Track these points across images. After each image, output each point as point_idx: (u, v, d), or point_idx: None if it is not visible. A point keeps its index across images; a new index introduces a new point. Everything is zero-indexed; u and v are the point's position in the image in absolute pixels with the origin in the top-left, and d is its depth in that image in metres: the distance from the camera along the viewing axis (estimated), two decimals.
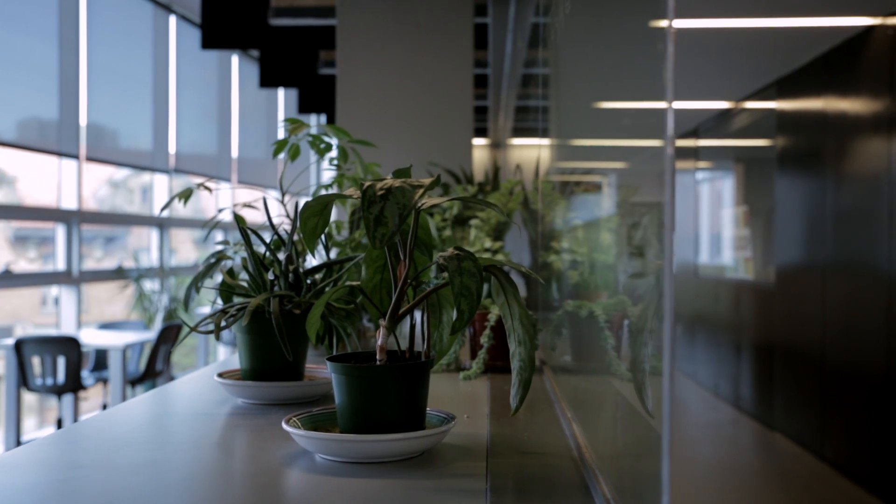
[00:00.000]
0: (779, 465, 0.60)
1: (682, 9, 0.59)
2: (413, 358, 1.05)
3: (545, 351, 1.77)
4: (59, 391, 5.61)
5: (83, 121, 7.01)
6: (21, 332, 7.59)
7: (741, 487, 0.60)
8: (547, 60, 1.79)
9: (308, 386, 1.36)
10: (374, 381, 1.01)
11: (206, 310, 7.62)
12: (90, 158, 7.16)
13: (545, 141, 1.84)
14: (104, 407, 6.59)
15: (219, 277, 1.47)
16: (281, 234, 1.48)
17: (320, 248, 1.59)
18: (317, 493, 0.91)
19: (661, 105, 0.61)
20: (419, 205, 0.97)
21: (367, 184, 0.93)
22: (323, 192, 1.81)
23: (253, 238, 1.42)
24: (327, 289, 1.37)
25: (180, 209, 8.21)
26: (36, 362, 5.60)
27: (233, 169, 9.99)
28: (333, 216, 1.79)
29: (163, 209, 1.59)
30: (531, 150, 2.58)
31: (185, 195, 1.60)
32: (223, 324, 1.32)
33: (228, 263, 1.53)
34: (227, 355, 9.01)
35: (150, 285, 7.96)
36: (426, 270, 1.14)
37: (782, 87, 0.59)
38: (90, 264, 7.73)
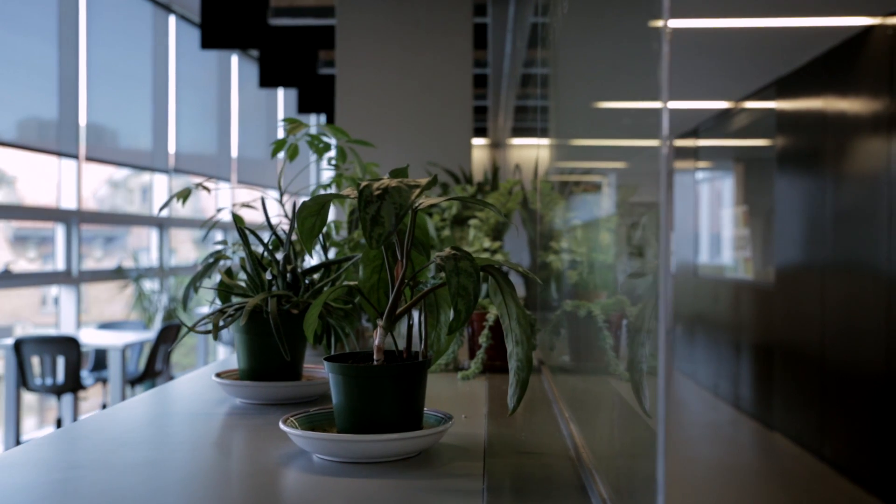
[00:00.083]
0: (778, 465, 0.60)
1: (682, 8, 0.59)
2: (410, 358, 1.05)
3: (543, 351, 1.77)
4: (58, 391, 5.61)
5: (83, 121, 7.01)
6: (21, 331, 7.59)
7: (740, 487, 0.60)
8: (546, 60, 1.79)
9: (306, 386, 1.36)
10: (371, 381, 1.01)
11: (205, 310, 7.62)
12: (90, 158, 7.16)
13: (544, 141, 1.84)
14: (104, 407, 6.59)
15: (217, 277, 1.46)
16: (279, 234, 1.47)
17: (318, 247, 1.59)
18: (314, 493, 0.90)
19: (657, 105, 0.61)
20: (416, 205, 0.96)
21: (363, 184, 0.93)
22: (321, 192, 1.81)
23: (251, 238, 1.41)
24: (325, 289, 1.37)
25: (180, 209, 8.21)
26: (35, 362, 5.60)
27: (232, 169, 10.00)
28: (332, 216, 1.79)
29: (161, 209, 1.58)
30: (530, 150, 2.58)
31: (184, 195, 1.59)
32: (221, 323, 1.32)
33: (227, 263, 1.53)
34: (227, 355, 9.01)
35: (149, 285, 7.96)
36: (424, 270, 1.14)
37: (782, 87, 0.59)
38: (90, 264, 7.73)
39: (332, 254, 1.76)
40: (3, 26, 6.34)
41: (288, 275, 1.39)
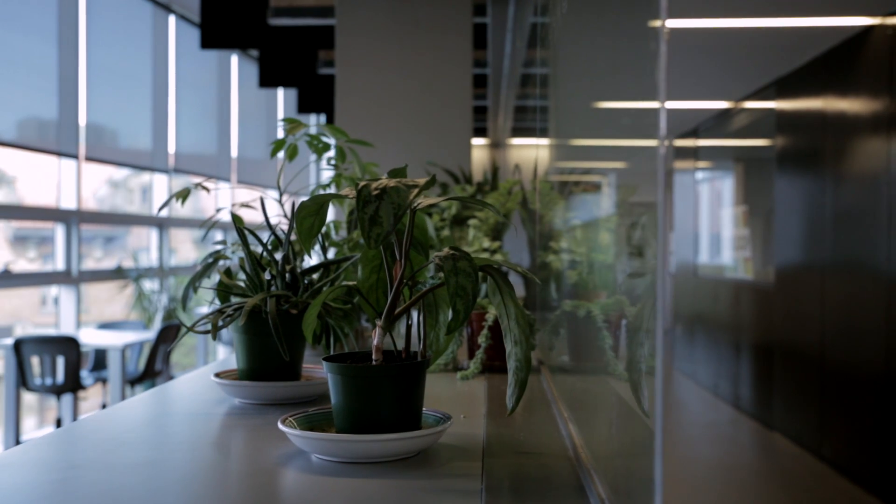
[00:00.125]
0: (778, 464, 0.60)
1: (681, 8, 0.59)
2: (409, 358, 1.05)
3: (543, 351, 1.76)
4: (58, 391, 5.61)
5: (82, 120, 7.01)
6: (21, 331, 7.59)
7: (740, 487, 0.60)
8: (545, 60, 1.79)
9: (305, 386, 1.36)
10: (370, 381, 1.01)
11: (205, 310, 7.61)
12: (89, 158, 7.16)
13: (544, 141, 1.84)
14: (103, 407, 6.59)
15: (216, 277, 1.46)
16: (278, 234, 1.47)
17: (318, 247, 1.58)
18: (312, 493, 0.90)
19: (655, 105, 0.61)
20: (414, 205, 0.96)
21: (361, 184, 0.93)
22: (320, 191, 1.80)
23: (250, 238, 1.41)
24: (324, 289, 1.37)
25: (180, 209, 8.21)
26: (35, 362, 5.60)
27: (232, 169, 9.99)
28: (332, 216, 1.79)
29: (160, 209, 1.58)
30: (530, 150, 2.58)
31: (183, 195, 1.59)
32: (220, 323, 1.32)
33: (226, 263, 1.52)
34: (227, 355, 9.00)
35: (149, 285, 7.96)
36: (422, 270, 1.14)
37: (782, 87, 0.59)
38: (90, 264, 7.73)
39: (331, 254, 1.76)
40: (2, 26, 6.34)
41: (287, 275, 1.39)
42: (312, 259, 1.52)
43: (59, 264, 6.82)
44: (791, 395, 0.58)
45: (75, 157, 6.93)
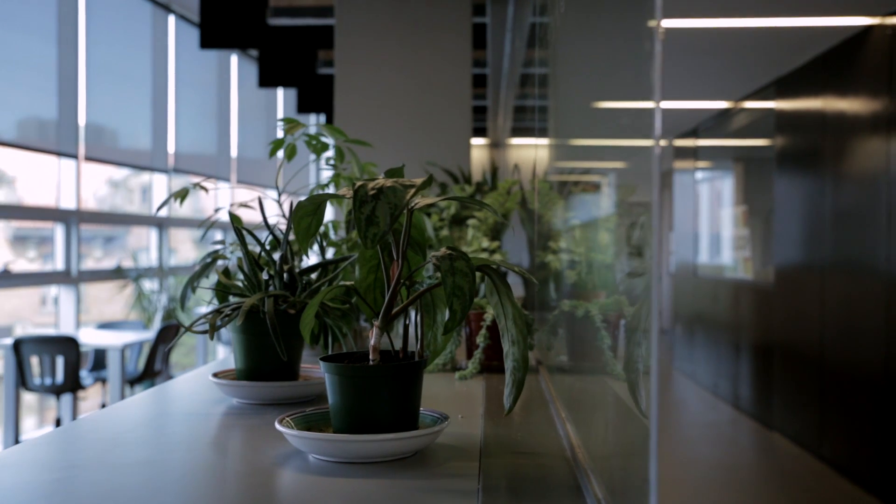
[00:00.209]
0: (777, 464, 0.59)
1: (682, 9, 0.59)
2: (406, 358, 1.05)
3: (541, 351, 1.76)
4: (57, 391, 5.60)
5: (82, 120, 7.00)
6: (20, 331, 7.59)
7: (740, 487, 0.60)
8: (544, 60, 1.79)
9: (303, 386, 1.36)
10: (367, 381, 1.00)
11: (203, 310, 7.61)
12: (89, 158, 7.15)
13: (543, 141, 1.84)
14: (103, 406, 6.59)
15: (214, 277, 1.46)
16: (276, 234, 1.47)
17: (316, 247, 1.58)
18: (310, 493, 0.90)
19: (650, 105, 0.60)
20: (411, 205, 0.96)
21: (358, 183, 0.92)
22: (319, 191, 1.80)
23: (248, 238, 1.41)
24: (322, 288, 1.37)
25: (179, 209, 8.21)
26: (35, 362, 5.59)
27: (232, 168, 9.99)
28: (331, 216, 1.79)
29: (159, 209, 1.58)
30: (529, 150, 2.57)
31: (181, 195, 1.59)
32: (218, 323, 1.31)
33: (225, 263, 1.52)
34: (226, 355, 9.00)
35: (148, 285, 7.95)
36: (420, 270, 1.13)
37: (781, 87, 0.59)
38: (89, 264, 7.72)
39: (329, 253, 1.76)
40: (2, 26, 6.33)
41: (285, 275, 1.39)
42: (310, 259, 1.51)
43: (59, 264, 6.82)
44: (790, 394, 0.57)
45: (75, 156, 6.93)
